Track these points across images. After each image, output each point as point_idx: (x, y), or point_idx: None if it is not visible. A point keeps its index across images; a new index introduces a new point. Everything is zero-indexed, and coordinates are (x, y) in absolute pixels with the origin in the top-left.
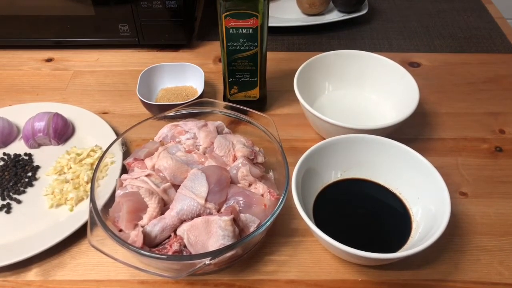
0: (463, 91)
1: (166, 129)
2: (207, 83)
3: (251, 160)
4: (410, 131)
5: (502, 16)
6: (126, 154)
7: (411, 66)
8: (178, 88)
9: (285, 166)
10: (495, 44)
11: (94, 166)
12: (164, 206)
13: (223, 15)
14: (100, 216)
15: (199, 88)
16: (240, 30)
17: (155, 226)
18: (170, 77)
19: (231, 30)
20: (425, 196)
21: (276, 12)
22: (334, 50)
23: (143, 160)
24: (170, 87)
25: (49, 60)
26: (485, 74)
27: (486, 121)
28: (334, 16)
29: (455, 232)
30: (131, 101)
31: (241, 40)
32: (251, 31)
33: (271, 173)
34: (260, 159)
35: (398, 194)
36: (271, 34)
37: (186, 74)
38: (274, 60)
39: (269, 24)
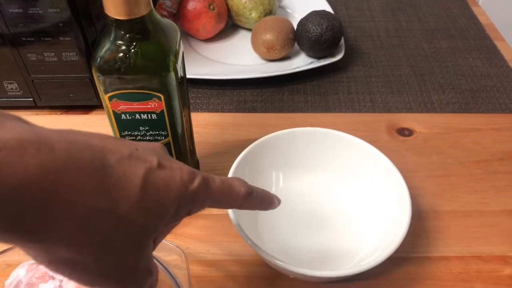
0: (472, 174)
1: (22, 271)
2: None
3: None
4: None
5: None
6: None
7: (400, 134)
8: None
9: None
10: (510, 99)
11: None
12: None
13: (107, 96)
14: None
15: None
16: (137, 116)
17: None
18: None
19: (123, 116)
20: None
21: (225, 56)
22: (298, 108)
23: None
24: None
25: None
26: (501, 147)
27: (508, 225)
28: (300, 62)
29: None
30: None
31: (141, 128)
32: (154, 116)
33: None
34: None
35: None
36: (216, 88)
37: None
38: (219, 126)
39: (213, 77)
